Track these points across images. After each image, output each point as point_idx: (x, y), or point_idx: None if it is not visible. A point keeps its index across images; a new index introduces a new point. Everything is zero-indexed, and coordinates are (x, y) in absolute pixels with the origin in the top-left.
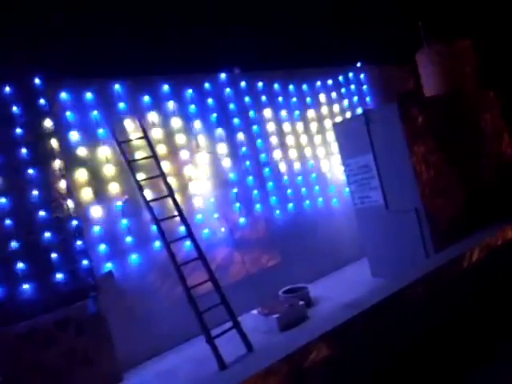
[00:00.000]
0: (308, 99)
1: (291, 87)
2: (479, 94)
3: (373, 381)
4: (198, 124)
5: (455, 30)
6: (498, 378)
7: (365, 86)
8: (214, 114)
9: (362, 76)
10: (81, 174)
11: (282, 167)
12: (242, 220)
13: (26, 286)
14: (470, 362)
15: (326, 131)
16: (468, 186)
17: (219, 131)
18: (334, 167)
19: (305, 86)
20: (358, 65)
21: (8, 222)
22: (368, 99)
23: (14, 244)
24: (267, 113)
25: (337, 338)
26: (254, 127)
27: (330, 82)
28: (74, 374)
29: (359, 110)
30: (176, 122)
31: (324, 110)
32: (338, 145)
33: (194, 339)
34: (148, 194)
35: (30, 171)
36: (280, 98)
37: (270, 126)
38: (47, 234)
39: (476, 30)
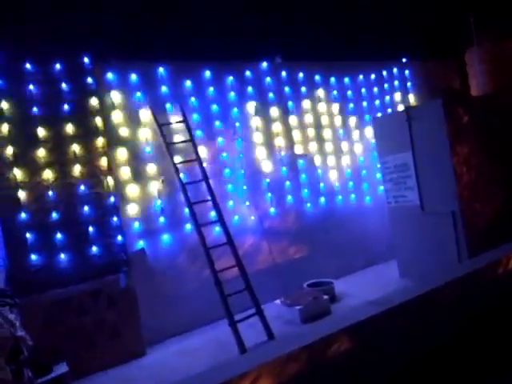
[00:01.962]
0: (349, 93)
1: (332, 79)
2: None
3: (393, 380)
4: (236, 111)
5: (507, 28)
6: None
7: (409, 83)
8: (253, 103)
9: (406, 72)
10: (121, 153)
11: (317, 160)
12: (272, 210)
13: (62, 256)
14: (497, 372)
15: (364, 127)
16: (509, 191)
17: (256, 120)
18: (369, 164)
19: (346, 79)
20: (404, 60)
21: (50, 193)
22: (411, 96)
23: (54, 215)
24: (306, 104)
25: (360, 333)
26: (292, 118)
27: (372, 76)
28: (101, 344)
29: (401, 108)
30: (215, 109)
31: (365, 104)
32: (376, 141)
33: (217, 322)
34: (183, 177)
35: (74, 147)
36: (320, 90)
37: (308, 118)
38: (86, 208)
39: None
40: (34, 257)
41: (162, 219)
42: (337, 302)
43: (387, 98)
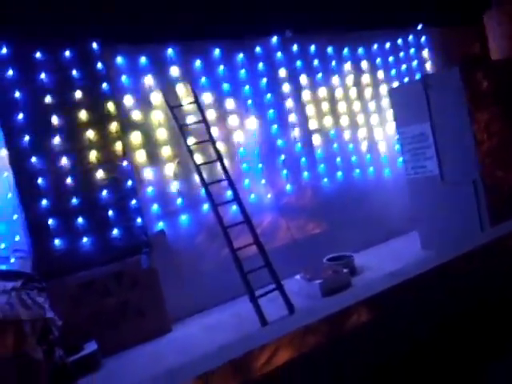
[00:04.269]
0: (363, 63)
1: (346, 51)
2: None
3: (412, 351)
4: (247, 89)
5: None
6: None
7: (425, 50)
8: (264, 79)
9: (422, 39)
10: (135, 137)
11: (333, 135)
12: (288, 187)
13: (85, 240)
14: None
15: (381, 98)
16: None
17: (269, 97)
18: (387, 136)
19: (360, 50)
20: (419, 27)
21: (69, 180)
22: (428, 64)
23: (74, 200)
24: (319, 78)
25: (379, 305)
26: (305, 92)
27: (387, 45)
28: (127, 323)
29: (418, 76)
30: (226, 87)
31: (380, 75)
32: (393, 112)
33: (239, 299)
34: (198, 159)
35: (89, 133)
36: (333, 62)
37: (322, 92)
38: (104, 193)
39: None
40: (57, 242)
41: (179, 200)
42: (357, 275)
43: (403, 66)
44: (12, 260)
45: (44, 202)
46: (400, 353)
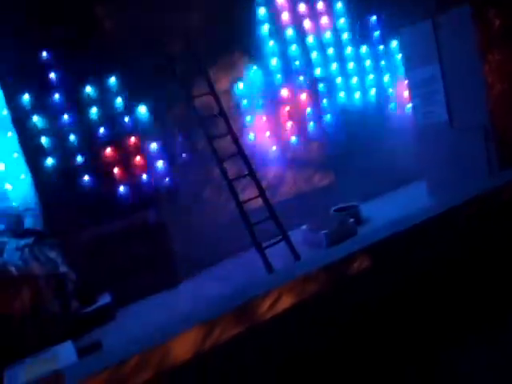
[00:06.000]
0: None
1: None
2: None
3: (414, 294)
4: (249, 37)
5: None
6: None
7: None
8: (266, 26)
9: None
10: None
11: (339, 83)
12: (293, 139)
13: (92, 197)
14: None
15: (390, 40)
16: None
17: (271, 44)
18: (396, 81)
19: None
20: None
21: (72, 137)
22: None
23: (79, 158)
24: (324, 22)
25: (380, 252)
26: (309, 38)
27: None
28: (138, 276)
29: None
30: (223, 35)
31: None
32: (402, 55)
33: (247, 250)
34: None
35: (88, 89)
36: (339, 5)
37: (327, 36)
38: (108, 150)
39: None
40: (65, 199)
41: (184, 155)
42: (363, 224)
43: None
44: (23, 218)
45: (49, 160)
46: (400, 294)
